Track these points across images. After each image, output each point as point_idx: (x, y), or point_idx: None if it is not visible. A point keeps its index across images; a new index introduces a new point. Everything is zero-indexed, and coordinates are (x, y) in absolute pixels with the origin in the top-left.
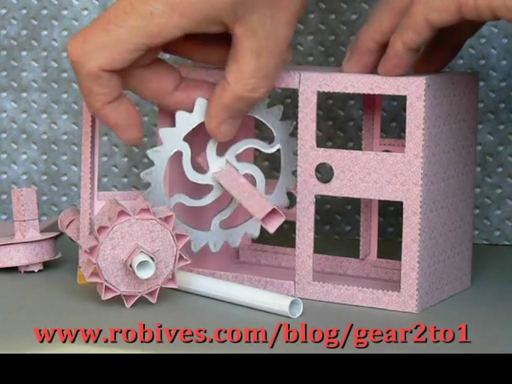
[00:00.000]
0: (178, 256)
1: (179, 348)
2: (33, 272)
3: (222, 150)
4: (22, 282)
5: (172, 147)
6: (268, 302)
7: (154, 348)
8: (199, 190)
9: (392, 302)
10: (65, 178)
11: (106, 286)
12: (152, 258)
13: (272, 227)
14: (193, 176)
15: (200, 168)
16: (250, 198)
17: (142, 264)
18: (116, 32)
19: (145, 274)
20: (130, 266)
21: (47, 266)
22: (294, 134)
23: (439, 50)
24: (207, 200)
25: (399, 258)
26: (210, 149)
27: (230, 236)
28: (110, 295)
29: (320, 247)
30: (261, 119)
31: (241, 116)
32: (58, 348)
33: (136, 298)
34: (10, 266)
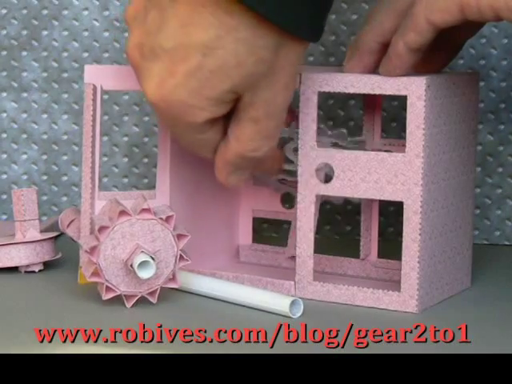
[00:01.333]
0: (178, 256)
1: (179, 348)
2: (33, 272)
3: None
4: (23, 282)
5: None
6: (268, 302)
7: (154, 348)
8: None
9: (392, 302)
10: (65, 178)
11: (106, 286)
12: (153, 258)
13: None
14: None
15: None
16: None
17: (142, 264)
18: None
19: (145, 273)
20: (131, 265)
21: (47, 265)
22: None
23: (440, 50)
24: None
25: (399, 258)
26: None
27: None
28: (110, 295)
29: (320, 247)
30: None
31: (249, 168)
32: (58, 348)
33: (136, 298)
34: (10, 265)
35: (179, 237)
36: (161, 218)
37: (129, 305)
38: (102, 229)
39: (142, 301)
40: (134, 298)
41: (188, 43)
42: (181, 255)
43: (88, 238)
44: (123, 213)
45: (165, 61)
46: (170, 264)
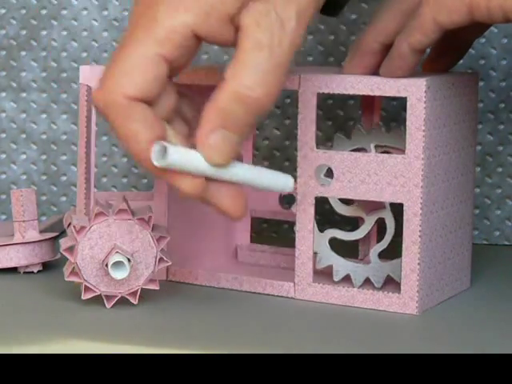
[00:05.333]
0: (158, 257)
1: (179, 348)
2: (32, 272)
3: None
4: (22, 283)
5: None
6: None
7: (154, 348)
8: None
9: (392, 304)
10: (64, 178)
11: (85, 286)
12: (129, 259)
13: None
14: (341, 209)
15: None
16: None
17: (116, 264)
18: (125, 58)
19: (119, 274)
20: (106, 265)
21: (46, 266)
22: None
23: (447, 50)
24: (360, 233)
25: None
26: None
27: (393, 269)
28: (89, 295)
29: None
30: None
31: (236, 129)
32: (58, 348)
33: (117, 299)
34: (9, 266)
35: (159, 238)
36: (139, 219)
37: (109, 305)
38: (80, 229)
39: (140, 301)
40: (113, 299)
41: None
42: (161, 257)
43: (68, 237)
44: (100, 213)
45: None
46: (150, 265)
